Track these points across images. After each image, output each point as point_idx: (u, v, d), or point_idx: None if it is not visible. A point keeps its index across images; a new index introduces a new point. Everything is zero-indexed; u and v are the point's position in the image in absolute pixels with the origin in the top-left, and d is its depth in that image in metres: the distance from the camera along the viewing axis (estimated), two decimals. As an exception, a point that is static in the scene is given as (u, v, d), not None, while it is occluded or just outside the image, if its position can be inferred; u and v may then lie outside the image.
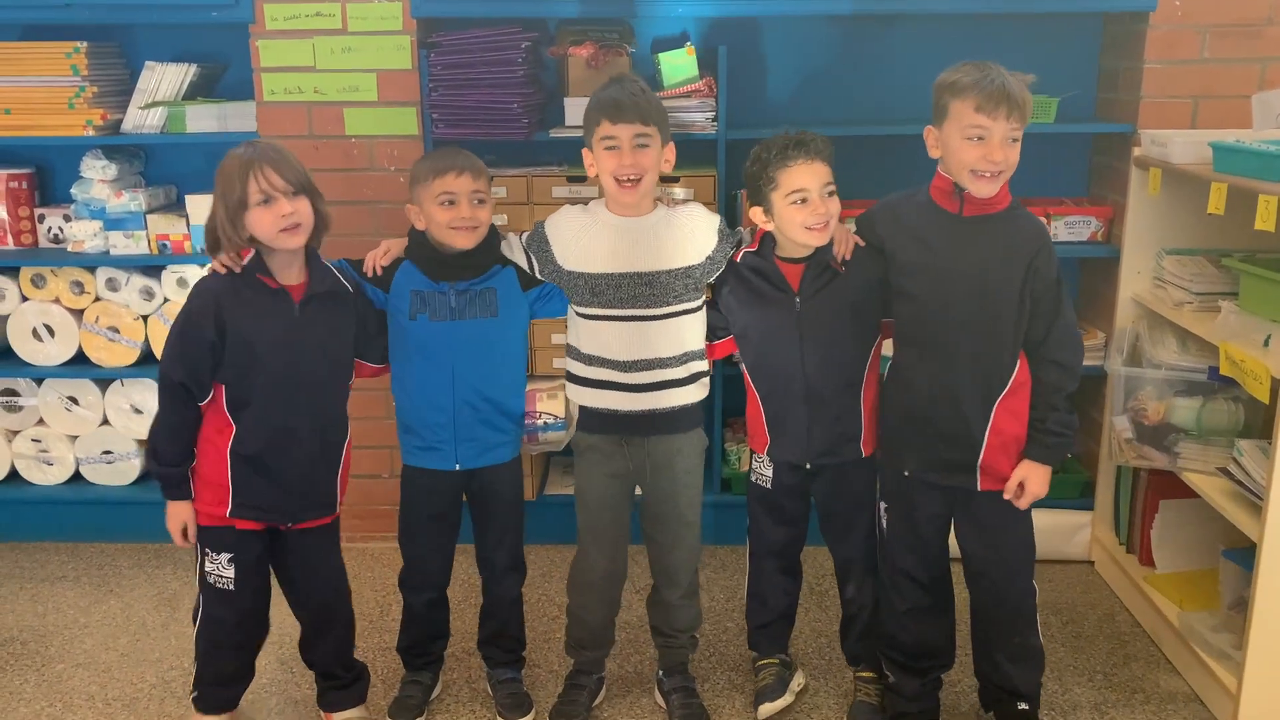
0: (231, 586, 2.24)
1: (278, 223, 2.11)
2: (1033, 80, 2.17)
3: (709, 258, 2.32)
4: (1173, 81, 3.00)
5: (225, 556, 2.24)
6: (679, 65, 3.02)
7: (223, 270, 2.16)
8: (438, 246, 2.32)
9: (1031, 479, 2.22)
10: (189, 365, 2.15)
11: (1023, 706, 2.38)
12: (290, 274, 2.20)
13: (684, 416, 2.37)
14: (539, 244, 2.37)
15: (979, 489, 2.25)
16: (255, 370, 2.16)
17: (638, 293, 2.28)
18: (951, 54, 3.31)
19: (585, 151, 2.31)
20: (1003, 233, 2.19)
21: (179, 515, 2.24)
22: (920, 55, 3.27)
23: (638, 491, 2.44)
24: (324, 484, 2.29)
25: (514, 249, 2.40)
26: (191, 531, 2.25)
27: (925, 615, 2.36)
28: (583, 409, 2.40)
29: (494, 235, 2.39)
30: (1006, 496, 2.23)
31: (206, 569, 2.25)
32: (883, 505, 2.37)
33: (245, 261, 2.16)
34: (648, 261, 2.28)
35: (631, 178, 2.23)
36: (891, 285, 2.28)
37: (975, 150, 2.13)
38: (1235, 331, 2.48)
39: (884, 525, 2.36)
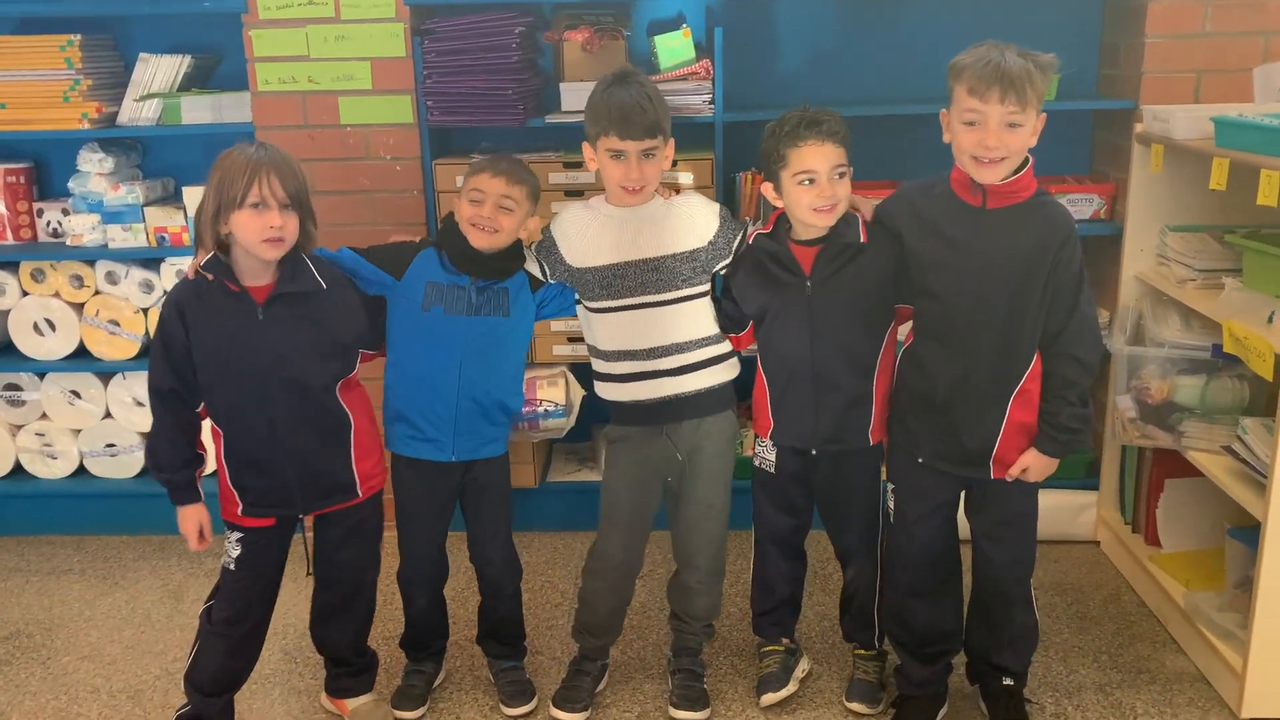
0: (232, 566, 2.26)
1: (263, 232, 2.08)
2: (1052, 60, 2.07)
3: (711, 242, 2.33)
4: (1175, 56, 2.97)
5: (235, 536, 2.26)
6: (675, 48, 3.00)
7: (191, 275, 2.14)
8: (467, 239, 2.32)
9: (1034, 468, 2.20)
10: (175, 370, 2.14)
11: (1008, 682, 2.38)
12: (258, 276, 2.16)
13: (710, 398, 2.37)
14: (548, 247, 2.38)
15: (991, 478, 2.22)
16: (225, 374, 2.15)
17: (645, 279, 2.29)
18: (952, 31, 3.28)
19: (586, 146, 2.31)
20: (1028, 224, 2.11)
21: (192, 518, 2.23)
22: (921, 33, 3.27)
23: (668, 479, 2.44)
24: (335, 472, 2.27)
25: (528, 258, 2.42)
26: (208, 532, 2.25)
27: (931, 597, 2.34)
28: (612, 404, 2.40)
29: (518, 247, 2.38)
30: (1009, 479, 2.21)
31: (225, 547, 2.28)
32: (890, 487, 2.35)
33: (204, 263, 2.12)
34: (652, 248, 2.29)
35: (638, 188, 2.26)
36: (913, 281, 2.23)
37: (971, 135, 2.06)
38: (1239, 308, 2.45)
39: (891, 506, 2.35)
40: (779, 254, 2.28)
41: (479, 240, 2.29)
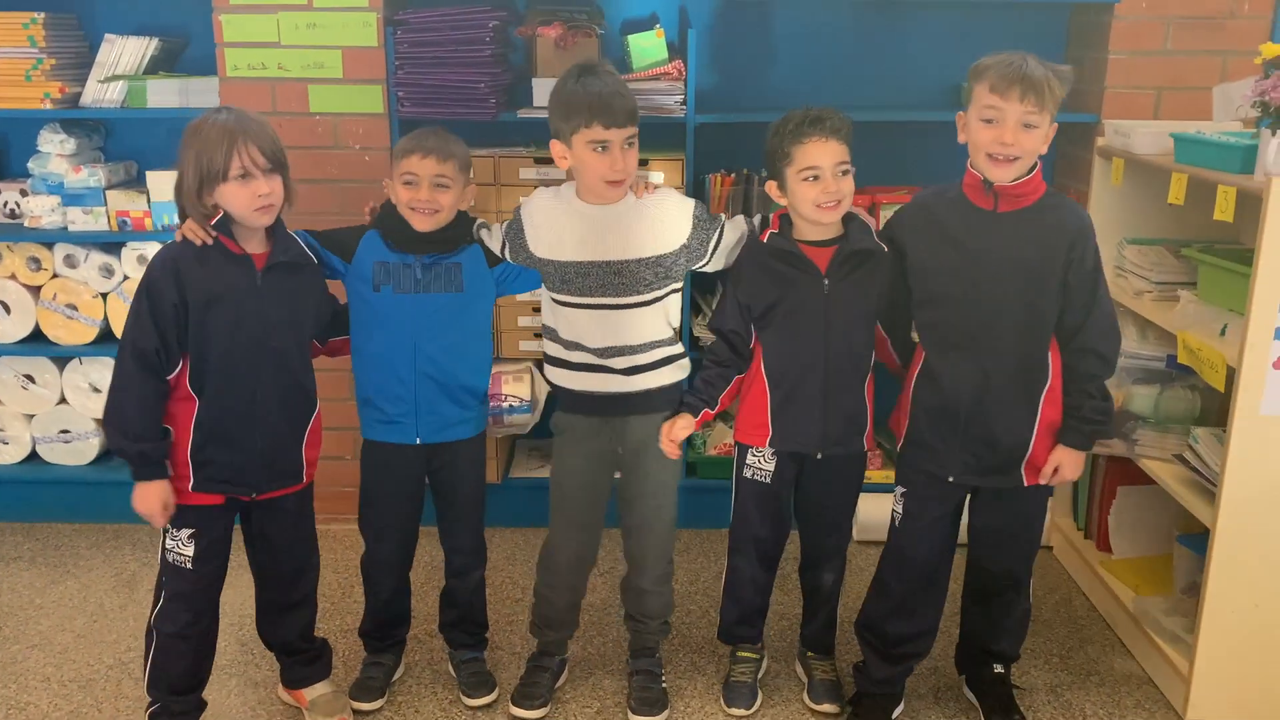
0: (190, 565, 2.19)
1: (253, 201, 2.08)
2: (1069, 73, 2.12)
3: (684, 245, 2.30)
4: (1137, 72, 3.03)
5: (186, 533, 2.18)
6: (648, 48, 3.01)
7: (197, 241, 2.10)
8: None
9: (1066, 464, 2.22)
10: (161, 330, 2.08)
11: (998, 669, 2.42)
12: (253, 242, 2.16)
13: (661, 397, 2.35)
14: (515, 229, 2.36)
15: (1025, 485, 2.25)
16: (217, 338, 2.11)
17: (606, 281, 2.27)
18: (919, 42, 3.33)
19: (556, 144, 2.25)
20: (1040, 225, 2.14)
21: (157, 494, 2.11)
22: (889, 43, 3.30)
23: (616, 475, 2.43)
24: (290, 454, 2.25)
25: (492, 236, 2.40)
26: (171, 508, 2.13)
27: (918, 602, 2.35)
28: (562, 390, 2.39)
29: (463, 218, 2.37)
30: (1042, 482, 2.24)
31: (167, 546, 2.19)
32: (900, 490, 2.34)
33: (215, 222, 2.10)
34: (617, 250, 2.26)
35: (623, 179, 2.22)
36: (925, 288, 2.23)
37: (989, 132, 2.09)
38: (1193, 321, 2.51)
39: (898, 512, 2.34)
40: (790, 253, 2.26)
41: (422, 223, 2.29)
